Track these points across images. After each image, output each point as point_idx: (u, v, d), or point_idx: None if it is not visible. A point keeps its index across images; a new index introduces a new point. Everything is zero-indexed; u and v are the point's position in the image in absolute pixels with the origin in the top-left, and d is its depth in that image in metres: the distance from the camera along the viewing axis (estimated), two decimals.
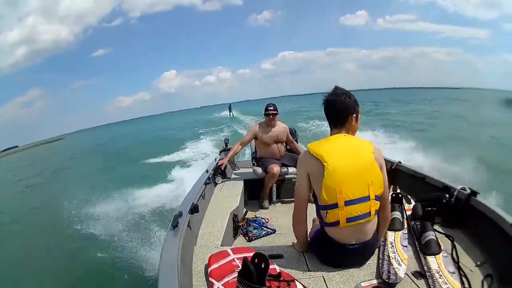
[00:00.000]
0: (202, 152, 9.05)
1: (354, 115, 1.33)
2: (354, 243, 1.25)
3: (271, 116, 2.87)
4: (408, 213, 1.82)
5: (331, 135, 1.35)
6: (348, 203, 1.20)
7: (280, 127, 2.94)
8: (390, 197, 1.41)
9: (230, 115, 26.85)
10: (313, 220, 1.60)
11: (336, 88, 1.35)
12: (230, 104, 29.40)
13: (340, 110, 1.33)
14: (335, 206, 1.22)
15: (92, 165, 11.17)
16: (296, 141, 3.13)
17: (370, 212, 1.23)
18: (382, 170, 1.26)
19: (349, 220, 1.22)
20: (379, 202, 1.26)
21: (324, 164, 1.22)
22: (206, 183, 2.21)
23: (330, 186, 1.21)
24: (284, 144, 3.02)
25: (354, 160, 1.22)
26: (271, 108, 2.88)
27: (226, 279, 1.16)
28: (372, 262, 1.33)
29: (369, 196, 1.21)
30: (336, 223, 1.24)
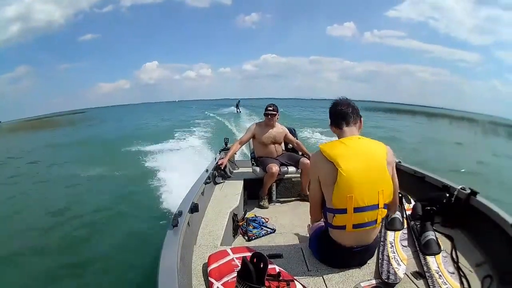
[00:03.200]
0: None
1: (361, 118, 1.35)
2: (355, 246, 1.25)
3: (269, 117, 2.85)
4: (408, 213, 1.82)
5: (340, 135, 1.31)
6: (357, 210, 1.18)
7: (278, 128, 2.94)
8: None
9: (237, 111, 25.04)
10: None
11: (342, 97, 1.37)
12: (239, 100, 27.87)
13: (351, 111, 1.33)
14: (343, 211, 1.19)
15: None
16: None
17: (376, 220, 1.20)
18: (393, 169, 1.27)
19: (355, 226, 1.20)
20: (386, 210, 1.23)
21: (338, 168, 1.17)
22: (206, 182, 2.20)
23: (342, 191, 1.18)
24: (283, 144, 3.02)
25: (367, 167, 1.18)
26: (271, 108, 2.86)
27: (225, 279, 1.16)
28: (372, 262, 1.33)
29: (378, 204, 1.18)
30: (342, 227, 1.22)
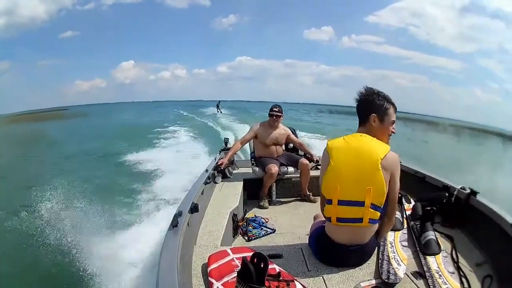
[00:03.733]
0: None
1: (375, 115, 1.26)
2: (348, 244, 1.25)
3: (274, 118, 2.84)
4: (408, 213, 1.82)
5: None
6: (341, 202, 1.20)
7: (281, 130, 2.93)
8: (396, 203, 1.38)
9: (217, 112, 25.09)
10: (314, 218, 1.60)
11: (366, 87, 1.30)
12: (219, 101, 27.85)
13: (361, 107, 1.30)
14: (330, 202, 1.24)
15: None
16: None
17: (362, 219, 1.19)
18: (392, 178, 1.21)
19: (339, 220, 1.22)
20: (377, 212, 1.20)
21: (330, 158, 1.23)
22: (206, 183, 2.20)
23: (329, 181, 1.23)
24: (283, 145, 3.01)
25: (357, 162, 1.19)
26: (276, 109, 2.85)
27: (225, 279, 1.16)
28: (372, 262, 1.33)
29: (364, 202, 1.17)
30: (329, 219, 1.26)
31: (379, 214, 1.21)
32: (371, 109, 1.27)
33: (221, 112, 25.26)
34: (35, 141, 13.21)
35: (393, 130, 1.31)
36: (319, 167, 1.69)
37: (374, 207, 1.18)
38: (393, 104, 1.29)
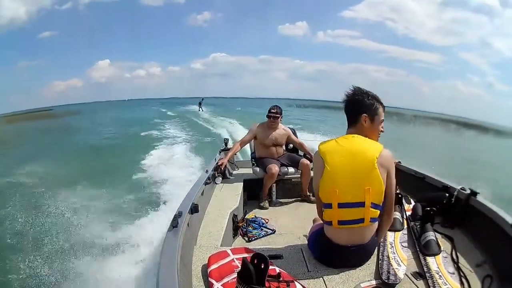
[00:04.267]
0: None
1: (366, 115, 1.27)
2: (349, 245, 1.25)
3: (272, 119, 2.84)
4: (408, 213, 1.82)
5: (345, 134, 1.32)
6: (341, 205, 1.19)
7: (281, 130, 2.91)
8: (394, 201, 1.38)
9: (199, 110, 25.05)
10: (314, 220, 1.60)
11: (355, 87, 1.31)
12: (202, 99, 27.86)
13: (351, 108, 1.30)
14: (329, 206, 1.22)
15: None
16: None
17: (364, 219, 1.19)
18: (389, 177, 1.22)
19: (341, 222, 1.21)
20: (377, 211, 1.21)
21: (325, 163, 1.22)
22: (206, 183, 2.20)
23: (327, 185, 1.22)
24: (284, 146, 3.01)
25: (354, 164, 1.19)
26: (274, 110, 2.84)
27: (225, 280, 1.16)
28: (372, 262, 1.33)
29: (364, 202, 1.17)
30: (330, 223, 1.25)
31: (379, 212, 1.22)
32: (362, 109, 1.28)
33: (203, 110, 25.19)
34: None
35: (382, 129, 1.32)
36: None
37: (374, 206, 1.19)
38: (382, 104, 1.31)
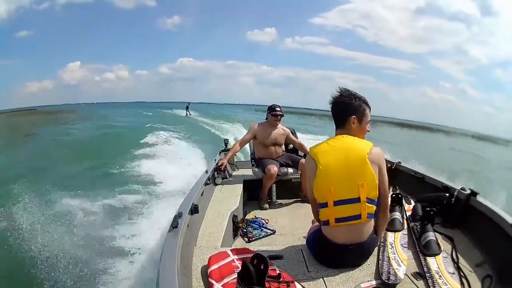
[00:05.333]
0: None
1: (354, 117, 1.31)
2: (348, 243, 1.25)
3: (278, 117, 2.88)
4: (408, 213, 1.82)
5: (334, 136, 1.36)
6: (337, 203, 1.22)
7: (280, 130, 2.94)
8: (390, 198, 1.41)
9: (186, 114, 25.33)
10: (313, 221, 1.61)
11: (342, 89, 1.35)
12: (188, 103, 28.26)
13: (339, 110, 1.34)
14: (325, 205, 1.24)
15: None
16: None
17: (361, 215, 1.21)
18: (380, 171, 1.25)
19: (338, 220, 1.23)
20: (373, 206, 1.23)
21: (317, 163, 1.25)
22: (205, 184, 2.20)
23: (321, 185, 1.24)
24: (283, 146, 3.02)
25: (346, 161, 1.22)
26: (279, 109, 2.88)
27: (225, 280, 1.16)
28: (372, 262, 1.33)
29: (359, 198, 1.20)
30: (327, 222, 1.26)
31: (375, 207, 1.24)
32: (350, 112, 1.32)
33: (190, 114, 25.39)
34: None
35: (368, 129, 1.37)
36: None
37: (370, 201, 1.22)
38: (368, 105, 1.35)
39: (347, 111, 1.32)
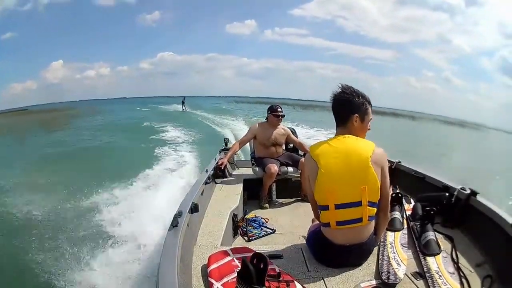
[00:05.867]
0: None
1: (357, 115, 1.27)
2: (348, 244, 1.25)
3: (280, 117, 2.89)
4: (408, 213, 1.82)
5: (335, 135, 1.32)
6: (338, 206, 1.19)
7: (280, 130, 2.94)
8: (390, 197, 1.40)
9: (182, 109, 24.79)
10: (313, 220, 1.60)
11: (344, 85, 1.30)
12: (184, 97, 27.52)
13: (341, 108, 1.30)
14: (326, 208, 1.22)
15: None
16: None
17: (362, 218, 1.20)
18: (383, 173, 1.23)
19: (339, 223, 1.22)
20: (374, 208, 1.22)
21: (318, 165, 1.21)
22: (205, 183, 2.20)
23: (322, 188, 1.22)
24: (283, 145, 3.02)
25: (348, 164, 1.19)
26: (280, 110, 2.90)
27: (225, 279, 1.16)
28: (372, 262, 1.33)
29: (361, 201, 1.18)
30: (327, 224, 1.25)
31: (375, 209, 1.23)
32: (353, 110, 1.27)
33: (186, 109, 24.94)
34: None
35: (369, 127, 1.34)
36: None
37: (371, 204, 1.20)
38: (370, 103, 1.31)
39: (349, 109, 1.27)
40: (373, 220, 1.26)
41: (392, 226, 1.61)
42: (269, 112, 2.93)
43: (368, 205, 1.19)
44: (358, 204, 1.18)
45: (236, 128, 12.81)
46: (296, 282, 1.16)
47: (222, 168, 2.78)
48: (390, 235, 1.54)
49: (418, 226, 1.63)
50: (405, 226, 1.67)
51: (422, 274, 1.28)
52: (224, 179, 2.81)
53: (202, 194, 2.01)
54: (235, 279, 1.05)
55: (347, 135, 1.27)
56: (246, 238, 2.12)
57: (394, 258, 1.32)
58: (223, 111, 24.53)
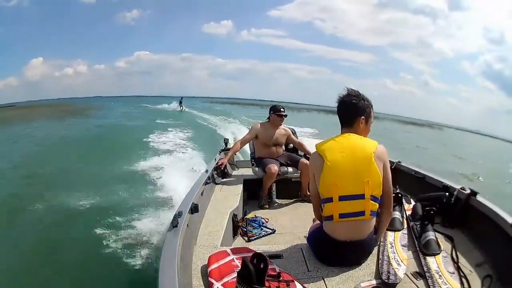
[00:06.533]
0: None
1: (363, 117, 1.35)
2: (348, 240, 1.26)
3: (283, 117, 2.91)
4: (408, 213, 1.82)
5: (341, 134, 1.38)
6: (342, 198, 1.23)
7: (281, 130, 2.95)
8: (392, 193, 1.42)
9: (180, 108, 25.21)
10: (313, 220, 1.61)
11: (349, 89, 1.38)
12: (181, 97, 28.01)
13: (348, 110, 1.37)
14: (330, 200, 1.25)
15: None
16: None
17: (364, 212, 1.23)
18: (385, 169, 1.28)
19: (342, 215, 1.24)
20: (376, 204, 1.26)
21: (324, 159, 1.26)
22: (205, 183, 2.20)
23: (327, 180, 1.26)
24: (283, 146, 3.02)
25: (353, 158, 1.25)
26: (283, 110, 2.92)
27: (225, 279, 1.16)
28: (372, 262, 1.33)
29: (364, 194, 1.22)
30: (330, 218, 1.27)
31: (377, 205, 1.26)
32: (359, 113, 1.36)
33: (183, 108, 25.04)
34: None
35: (369, 128, 1.42)
36: None
37: (374, 198, 1.24)
38: (372, 106, 1.40)
39: (356, 111, 1.35)
40: (375, 217, 1.29)
41: (392, 226, 1.61)
42: (271, 112, 2.93)
43: (371, 199, 1.23)
44: (361, 197, 1.22)
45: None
46: (296, 282, 1.16)
47: (222, 168, 2.78)
48: (390, 235, 1.54)
49: (418, 226, 1.64)
50: (405, 226, 1.67)
51: (422, 274, 1.28)
52: (224, 179, 2.81)
53: (202, 194, 2.01)
54: (235, 279, 1.05)
55: (351, 134, 1.33)
56: (246, 238, 2.12)
57: (394, 258, 1.33)
58: (216, 111, 24.69)
